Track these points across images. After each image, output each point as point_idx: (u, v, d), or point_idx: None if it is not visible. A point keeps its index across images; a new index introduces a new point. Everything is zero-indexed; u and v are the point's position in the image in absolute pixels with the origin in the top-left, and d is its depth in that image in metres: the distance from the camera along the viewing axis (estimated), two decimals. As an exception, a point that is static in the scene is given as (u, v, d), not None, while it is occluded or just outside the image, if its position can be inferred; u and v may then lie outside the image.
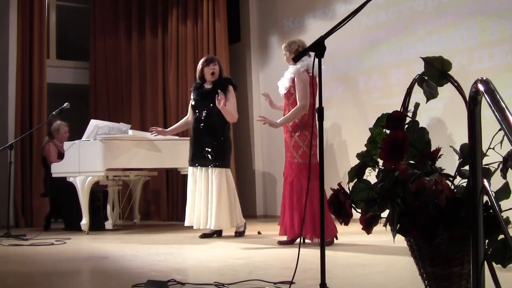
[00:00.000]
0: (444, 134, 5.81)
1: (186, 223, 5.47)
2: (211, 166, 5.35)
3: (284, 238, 4.76)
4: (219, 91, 5.35)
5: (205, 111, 5.43)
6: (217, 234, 5.53)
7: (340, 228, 4.66)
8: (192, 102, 5.59)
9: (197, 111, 5.49)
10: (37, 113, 7.68)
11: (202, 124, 5.42)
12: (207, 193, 5.35)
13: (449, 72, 2.12)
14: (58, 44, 8.86)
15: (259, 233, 5.70)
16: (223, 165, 5.37)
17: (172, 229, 6.69)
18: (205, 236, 5.46)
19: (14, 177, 7.22)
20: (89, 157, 6.04)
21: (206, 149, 5.38)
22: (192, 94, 5.65)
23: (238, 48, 8.59)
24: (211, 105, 5.39)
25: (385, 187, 2.03)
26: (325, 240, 4.45)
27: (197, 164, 5.41)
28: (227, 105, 5.38)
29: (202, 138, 5.41)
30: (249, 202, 8.13)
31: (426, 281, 2.07)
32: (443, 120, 5.86)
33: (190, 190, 5.46)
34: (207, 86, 5.52)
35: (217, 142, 5.40)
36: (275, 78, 8.06)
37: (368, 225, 2.08)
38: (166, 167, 7.21)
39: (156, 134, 5.76)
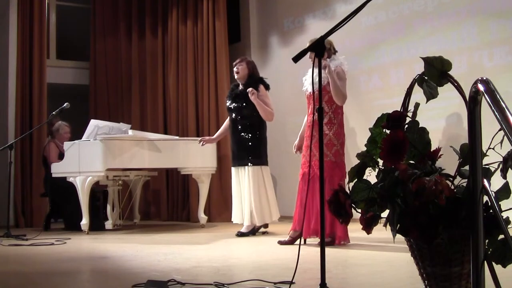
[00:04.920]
0: (444, 134, 5.81)
1: (233, 220, 5.74)
2: (249, 165, 5.51)
3: (284, 238, 4.76)
4: (249, 89, 5.46)
5: (238, 112, 5.61)
6: (264, 227, 5.68)
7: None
8: (227, 104, 5.78)
9: (231, 113, 5.69)
10: (37, 113, 7.67)
11: (237, 126, 5.62)
12: (248, 191, 5.51)
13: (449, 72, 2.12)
14: (58, 44, 8.86)
15: (264, 233, 5.70)
16: (258, 162, 5.54)
17: (172, 229, 6.69)
18: (242, 234, 5.49)
19: (14, 177, 7.21)
20: (89, 157, 6.03)
21: (243, 149, 5.55)
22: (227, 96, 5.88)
23: (238, 48, 8.58)
24: (243, 105, 5.56)
25: (385, 187, 2.03)
26: (335, 242, 4.49)
27: (237, 165, 5.61)
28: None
29: (239, 139, 5.60)
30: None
31: (426, 281, 2.07)
32: (443, 120, 5.85)
33: (234, 190, 5.68)
34: (240, 87, 5.67)
35: (252, 141, 5.56)
36: (275, 78, 8.09)
37: (368, 225, 2.08)
38: (166, 167, 7.20)
39: (204, 143, 6.04)
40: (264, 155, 5.66)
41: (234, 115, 5.64)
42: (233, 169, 5.70)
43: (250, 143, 5.55)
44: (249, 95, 5.43)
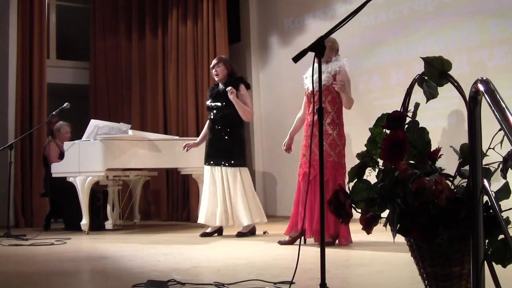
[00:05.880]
0: (444, 134, 5.81)
1: (200, 220, 5.59)
2: (226, 166, 5.44)
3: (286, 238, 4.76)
4: (228, 88, 5.42)
5: (217, 112, 5.53)
6: (217, 233, 5.57)
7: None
8: (207, 103, 5.70)
9: (211, 111, 5.61)
10: (37, 113, 7.67)
11: (216, 125, 5.53)
12: (223, 192, 5.45)
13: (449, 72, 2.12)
14: (58, 44, 8.86)
15: (264, 233, 5.69)
16: (237, 164, 5.46)
17: (172, 229, 6.69)
18: (205, 235, 5.51)
19: (14, 177, 7.21)
20: (89, 157, 6.03)
21: (221, 149, 5.46)
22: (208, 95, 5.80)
23: (238, 48, 8.58)
24: (223, 104, 5.48)
25: (385, 187, 2.03)
26: (336, 242, 4.49)
27: (212, 163, 5.50)
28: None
29: (217, 138, 5.51)
30: (249, 202, 8.12)
31: (426, 281, 2.07)
32: (443, 120, 5.85)
33: (206, 188, 5.55)
34: (221, 86, 5.60)
35: (232, 142, 5.48)
36: (275, 78, 8.10)
37: (368, 225, 2.08)
38: (166, 167, 7.20)
39: (189, 149, 5.92)
40: (243, 156, 5.57)
41: (214, 114, 5.56)
42: (207, 167, 5.55)
43: (229, 144, 5.46)
44: (228, 94, 5.38)
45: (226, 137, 5.47)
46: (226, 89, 5.42)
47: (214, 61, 5.68)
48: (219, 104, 5.51)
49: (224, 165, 5.44)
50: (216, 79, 5.64)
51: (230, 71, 5.61)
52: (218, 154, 5.47)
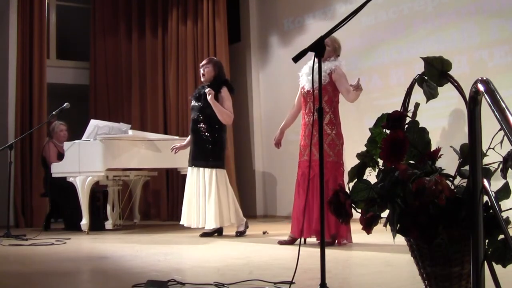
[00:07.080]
0: (444, 134, 5.81)
1: (181, 222, 5.64)
2: (203, 167, 5.46)
3: (284, 238, 4.75)
4: (207, 89, 5.45)
5: (200, 112, 5.55)
6: (217, 233, 5.59)
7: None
8: (191, 104, 5.73)
9: (193, 112, 5.63)
10: (37, 113, 7.67)
11: (197, 126, 5.55)
12: (198, 192, 5.48)
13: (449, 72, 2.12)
14: (58, 44, 8.86)
15: (264, 233, 5.69)
16: (214, 165, 5.46)
17: (172, 229, 6.69)
18: (205, 235, 5.51)
19: (14, 177, 7.22)
20: (89, 157, 6.03)
21: (200, 149, 5.49)
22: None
23: (238, 48, 8.58)
24: (203, 105, 5.51)
25: (385, 187, 2.03)
26: (336, 242, 4.49)
27: (192, 165, 5.55)
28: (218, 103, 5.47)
29: (197, 138, 5.53)
30: (249, 202, 8.13)
31: (426, 281, 2.07)
32: (443, 120, 5.85)
33: (186, 190, 5.60)
34: (206, 88, 5.60)
35: (210, 143, 5.49)
36: (275, 78, 8.10)
37: (368, 225, 2.08)
38: (166, 167, 7.21)
39: (178, 151, 5.88)
40: (220, 157, 5.55)
41: (196, 115, 5.57)
42: (189, 168, 5.60)
43: (207, 145, 5.48)
44: (207, 95, 5.40)
45: (205, 138, 5.49)
46: (205, 91, 5.45)
47: (204, 61, 5.70)
48: (200, 104, 5.54)
49: (200, 166, 5.47)
50: (202, 79, 5.65)
51: (217, 74, 5.60)
52: (196, 155, 5.51)
